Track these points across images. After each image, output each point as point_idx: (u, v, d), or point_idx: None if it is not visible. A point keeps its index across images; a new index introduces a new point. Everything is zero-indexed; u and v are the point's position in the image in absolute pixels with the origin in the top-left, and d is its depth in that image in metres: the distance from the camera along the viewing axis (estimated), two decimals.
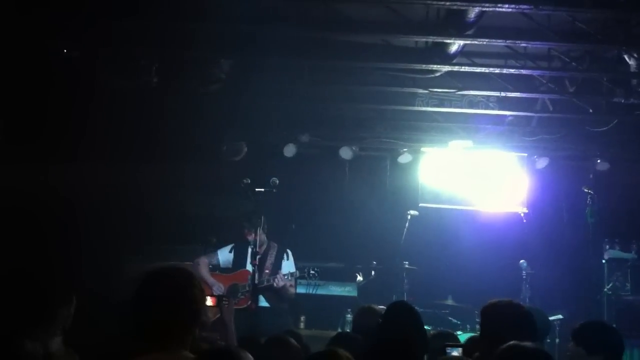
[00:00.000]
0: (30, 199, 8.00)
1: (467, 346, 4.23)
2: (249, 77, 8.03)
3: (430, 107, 8.73)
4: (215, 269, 7.81)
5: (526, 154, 9.52)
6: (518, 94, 8.20)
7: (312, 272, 7.51)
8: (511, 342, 3.13)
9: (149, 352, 2.94)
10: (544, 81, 8.04)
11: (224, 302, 5.10)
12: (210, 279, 7.62)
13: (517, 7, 5.91)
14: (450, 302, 8.70)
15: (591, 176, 9.54)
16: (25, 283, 4.11)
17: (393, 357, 4.07)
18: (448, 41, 6.84)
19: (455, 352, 3.81)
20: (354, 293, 8.81)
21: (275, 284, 7.41)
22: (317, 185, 9.55)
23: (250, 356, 2.83)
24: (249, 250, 7.33)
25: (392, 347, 4.09)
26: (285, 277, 7.49)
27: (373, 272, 8.81)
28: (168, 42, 7.03)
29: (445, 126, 9.38)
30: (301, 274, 7.59)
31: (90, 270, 7.93)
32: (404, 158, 9.52)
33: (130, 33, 6.92)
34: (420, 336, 4.29)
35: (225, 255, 7.77)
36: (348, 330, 7.27)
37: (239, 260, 7.64)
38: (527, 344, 3.14)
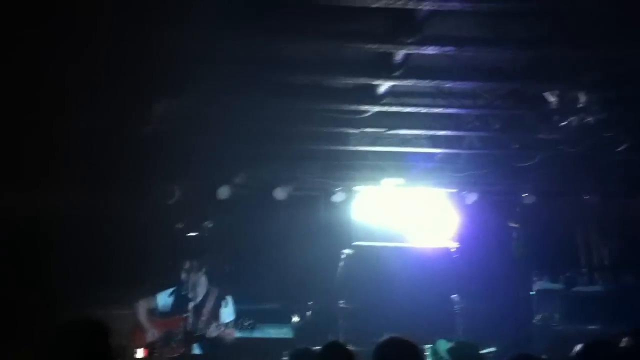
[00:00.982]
0: None
1: None
2: (181, 119, 7.98)
3: (363, 146, 8.87)
4: (153, 313, 7.68)
5: (456, 190, 9.74)
6: (446, 132, 8.40)
7: (245, 324, 7.41)
8: None
9: None
10: (471, 119, 8.26)
11: (154, 353, 5.01)
12: (146, 324, 7.47)
13: (441, 48, 6.08)
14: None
15: (518, 210, 9.82)
16: None
17: None
18: (377, 82, 6.98)
19: None
20: (290, 335, 8.79)
21: (208, 334, 7.32)
22: (252, 225, 9.53)
23: None
24: (188, 294, 7.24)
25: None
26: (219, 327, 7.39)
27: (309, 313, 8.81)
28: (101, 81, 6.95)
29: (377, 164, 9.53)
30: (235, 325, 7.47)
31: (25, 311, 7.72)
32: (338, 197, 9.62)
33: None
34: None
35: (164, 299, 7.64)
36: None
37: (178, 305, 7.51)
38: None
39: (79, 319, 3.25)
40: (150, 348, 7.23)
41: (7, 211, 7.88)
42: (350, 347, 8.14)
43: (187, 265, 7.34)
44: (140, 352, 7.10)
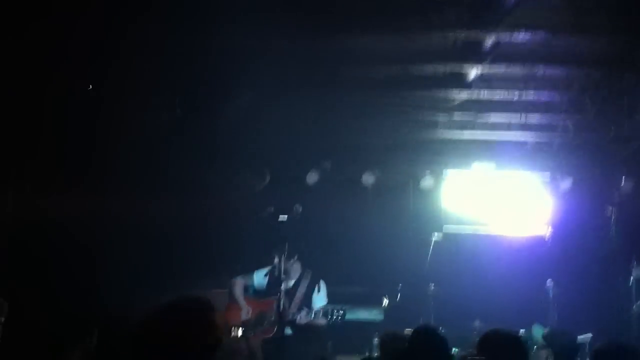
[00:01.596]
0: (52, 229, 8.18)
1: None
2: (273, 108, 8.17)
3: (454, 131, 8.82)
4: (248, 291, 7.92)
5: (550, 175, 9.54)
6: (539, 117, 8.24)
7: (337, 314, 7.52)
8: None
9: None
10: (564, 105, 8.07)
11: (250, 333, 5.19)
12: (242, 301, 7.74)
13: (532, 35, 5.98)
14: (477, 324, 8.71)
15: (615, 195, 9.53)
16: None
17: None
18: (465, 69, 6.93)
19: None
20: (381, 317, 8.85)
21: (297, 321, 7.49)
22: (340, 211, 9.63)
23: None
24: (282, 277, 7.44)
25: None
26: (309, 314, 7.53)
27: (399, 296, 8.86)
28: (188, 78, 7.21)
29: (467, 149, 9.44)
30: (326, 314, 7.59)
31: (124, 305, 8.08)
32: (427, 182, 9.58)
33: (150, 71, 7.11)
34: (445, 358, 4.38)
35: (260, 279, 7.88)
36: (376, 355, 7.33)
37: (272, 287, 7.72)
38: None
39: (185, 296, 3.28)
40: (245, 326, 7.47)
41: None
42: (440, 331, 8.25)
43: (279, 248, 7.53)
44: (238, 331, 7.34)
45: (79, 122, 7.27)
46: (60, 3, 5.85)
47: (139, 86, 7.20)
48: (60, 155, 7.67)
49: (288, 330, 7.55)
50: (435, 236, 8.84)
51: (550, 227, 9.45)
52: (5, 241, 7.45)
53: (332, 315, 7.52)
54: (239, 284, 7.83)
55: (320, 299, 7.75)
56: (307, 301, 7.68)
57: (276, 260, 7.60)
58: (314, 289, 7.76)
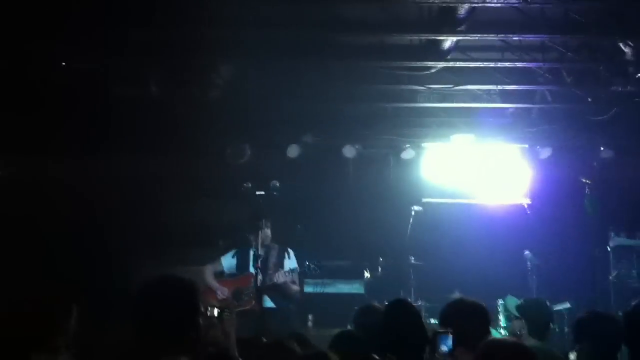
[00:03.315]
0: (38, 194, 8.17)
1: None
2: (249, 81, 8.10)
3: (432, 102, 8.79)
4: (220, 275, 7.92)
5: (529, 145, 9.54)
6: (516, 86, 8.23)
7: (312, 266, 7.56)
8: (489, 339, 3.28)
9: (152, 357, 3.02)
10: (542, 72, 8.05)
11: (225, 313, 5.14)
12: (214, 283, 7.75)
13: (506, 2, 5.93)
14: (457, 295, 8.72)
15: (595, 164, 9.55)
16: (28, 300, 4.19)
17: (396, 355, 4.18)
18: (441, 38, 6.88)
19: (445, 347, 3.89)
20: (362, 290, 8.87)
21: (276, 280, 7.48)
22: (321, 184, 9.60)
23: None
24: (251, 253, 7.44)
25: (393, 346, 4.20)
26: (286, 273, 7.57)
27: (380, 269, 8.87)
28: (168, 50, 7.13)
29: (447, 121, 9.42)
30: (302, 270, 7.65)
31: (102, 273, 8.08)
32: (407, 154, 9.55)
33: (132, 42, 7.03)
34: (419, 332, 4.38)
35: (228, 261, 7.90)
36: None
37: (242, 265, 7.76)
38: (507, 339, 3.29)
39: (168, 277, 3.31)
40: (223, 305, 7.45)
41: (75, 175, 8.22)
42: (420, 303, 8.26)
43: (255, 223, 7.50)
44: (215, 311, 7.28)
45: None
46: None
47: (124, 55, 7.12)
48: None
49: (268, 302, 7.55)
50: (415, 208, 8.81)
51: (528, 197, 9.48)
52: None
53: (308, 269, 7.53)
54: (208, 270, 7.82)
55: (291, 262, 7.79)
56: (279, 268, 7.71)
57: (252, 234, 7.56)
58: (283, 257, 7.77)
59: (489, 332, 4.22)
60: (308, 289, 8.52)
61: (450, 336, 4.15)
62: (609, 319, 4.56)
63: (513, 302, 7.05)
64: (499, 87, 8.18)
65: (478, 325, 4.07)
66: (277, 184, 7.17)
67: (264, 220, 7.51)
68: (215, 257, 7.99)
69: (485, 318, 4.21)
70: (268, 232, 7.69)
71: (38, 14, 6.23)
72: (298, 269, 7.70)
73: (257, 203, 7.16)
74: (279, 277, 7.55)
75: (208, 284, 7.73)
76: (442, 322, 4.18)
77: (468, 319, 4.10)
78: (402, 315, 4.54)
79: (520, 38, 7.06)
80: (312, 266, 7.56)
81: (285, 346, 4.08)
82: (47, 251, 8.06)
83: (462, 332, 3.87)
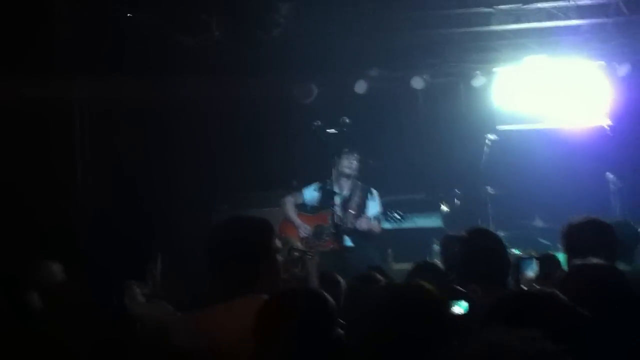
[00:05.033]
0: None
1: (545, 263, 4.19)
2: (311, 17, 7.96)
3: (501, 24, 8.47)
4: (301, 208, 7.90)
5: (606, 62, 9.13)
6: (589, 0, 7.84)
7: (395, 214, 7.47)
8: (576, 262, 3.13)
9: (229, 298, 3.03)
10: None
11: (307, 255, 5.14)
12: (296, 219, 7.71)
13: None
14: (538, 223, 8.55)
15: None
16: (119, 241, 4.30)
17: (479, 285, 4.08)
18: None
19: (531, 272, 3.77)
20: (439, 223, 8.76)
21: (358, 227, 7.45)
22: (391, 118, 9.46)
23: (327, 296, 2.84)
24: (334, 190, 7.39)
25: (475, 275, 4.10)
26: (369, 219, 7.50)
27: (456, 200, 8.74)
28: None
29: (517, 43, 9.05)
30: (384, 217, 7.55)
31: (177, 221, 8.21)
32: (478, 81, 9.30)
33: None
34: (502, 259, 4.25)
35: (310, 194, 7.82)
36: (436, 261, 7.28)
37: (325, 200, 7.64)
38: (595, 262, 3.12)
39: (238, 217, 3.31)
40: (304, 246, 7.45)
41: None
42: (500, 233, 8.12)
43: (330, 162, 7.44)
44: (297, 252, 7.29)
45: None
46: None
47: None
48: None
49: (347, 242, 7.54)
50: (490, 137, 8.59)
51: (609, 117, 9.09)
52: None
53: (390, 218, 7.47)
54: (289, 202, 7.80)
55: (374, 205, 7.70)
56: (362, 210, 7.63)
57: (330, 172, 7.50)
58: (367, 198, 7.69)
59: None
60: (385, 224, 8.46)
61: (535, 260, 4.02)
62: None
63: None
64: (571, 3, 7.80)
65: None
66: (347, 120, 7.06)
67: (338, 157, 7.44)
68: (297, 190, 7.96)
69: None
70: (352, 160, 7.59)
71: None
72: (380, 217, 7.57)
73: (329, 140, 7.06)
74: (362, 224, 7.48)
75: (289, 218, 7.71)
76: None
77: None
78: (481, 242, 4.41)
79: None
80: (395, 215, 7.45)
81: (373, 278, 4.06)
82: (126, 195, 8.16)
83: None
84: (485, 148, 8.54)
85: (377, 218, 7.59)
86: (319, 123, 7.08)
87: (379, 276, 4.35)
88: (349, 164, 7.61)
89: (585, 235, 3.83)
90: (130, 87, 8.33)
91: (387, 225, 8.47)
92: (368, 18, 7.96)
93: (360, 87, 9.18)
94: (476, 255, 4.25)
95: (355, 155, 7.67)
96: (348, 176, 7.66)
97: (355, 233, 7.53)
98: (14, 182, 7.37)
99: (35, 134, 7.84)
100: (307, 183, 7.92)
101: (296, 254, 5.67)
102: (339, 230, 7.17)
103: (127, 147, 8.23)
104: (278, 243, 3.24)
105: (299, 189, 8.00)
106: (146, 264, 5.11)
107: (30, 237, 6.95)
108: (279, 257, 3.22)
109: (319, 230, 7.62)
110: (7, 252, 5.91)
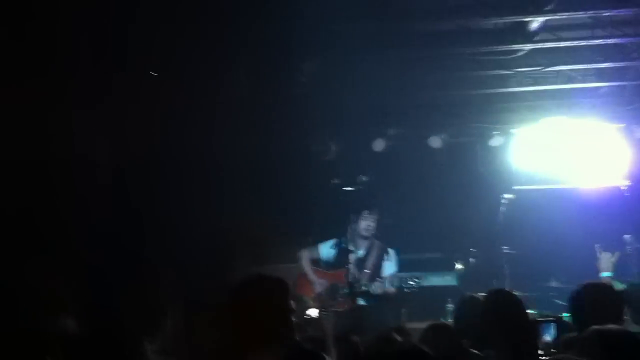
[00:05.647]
0: None
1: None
2: (332, 76, 8.07)
3: (520, 86, 8.57)
4: (317, 264, 7.87)
5: (624, 124, 9.17)
6: (608, 64, 7.92)
7: (410, 282, 7.39)
8: (594, 327, 3.13)
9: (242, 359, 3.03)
10: (634, 47, 7.71)
11: (322, 313, 5.15)
12: (312, 275, 7.66)
13: None
14: (554, 284, 8.48)
15: None
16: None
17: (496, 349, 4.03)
18: (527, 19, 6.67)
19: (548, 336, 3.74)
20: (455, 282, 8.71)
21: (372, 291, 7.42)
22: (409, 177, 9.50)
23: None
24: (350, 248, 7.37)
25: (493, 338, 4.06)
26: (383, 283, 7.44)
27: (472, 260, 8.70)
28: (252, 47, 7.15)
29: (536, 104, 9.17)
30: (400, 283, 7.46)
31: (191, 275, 8.17)
32: (495, 141, 9.35)
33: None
34: (524, 323, 4.20)
35: (327, 251, 7.78)
36: (449, 320, 7.21)
37: (340, 258, 7.61)
38: (612, 327, 3.13)
39: (261, 275, 3.31)
40: (318, 303, 7.41)
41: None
42: (515, 292, 8.05)
43: (348, 219, 7.44)
44: (313, 312, 7.23)
45: None
46: None
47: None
48: None
49: (361, 301, 7.49)
50: (507, 196, 8.60)
51: (626, 178, 9.08)
52: None
53: (406, 286, 7.39)
54: (305, 256, 7.76)
55: (390, 266, 7.65)
56: (377, 270, 7.58)
57: (346, 230, 7.50)
58: (383, 257, 7.66)
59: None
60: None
61: (553, 324, 3.98)
62: None
63: (616, 286, 6.79)
64: (591, 66, 7.88)
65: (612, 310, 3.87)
66: (364, 179, 7.11)
67: (356, 215, 7.44)
68: (313, 245, 7.95)
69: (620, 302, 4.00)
70: (369, 222, 7.57)
71: None
72: (397, 277, 7.53)
73: (347, 198, 7.10)
74: (376, 288, 7.43)
75: (304, 272, 7.67)
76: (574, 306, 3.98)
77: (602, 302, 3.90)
78: (503, 306, 4.35)
79: (611, 13, 6.76)
80: (410, 283, 7.38)
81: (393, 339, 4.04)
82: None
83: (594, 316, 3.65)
84: (502, 207, 8.54)
85: (392, 280, 7.52)
86: (337, 181, 7.13)
87: (397, 336, 4.32)
88: (367, 225, 7.58)
89: (590, 300, 3.84)
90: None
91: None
92: (389, 78, 8.06)
93: (379, 145, 9.24)
94: (496, 318, 4.20)
95: (373, 216, 7.65)
96: (365, 237, 7.65)
97: (368, 296, 7.48)
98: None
99: None
100: (324, 240, 7.91)
101: (312, 313, 5.68)
102: (353, 292, 7.14)
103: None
104: (293, 304, 3.25)
105: (315, 245, 7.99)
106: (157, 318, 5.07)
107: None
108: (293, 319, 3.22)
109: (334, 289, 7.58)
110: None
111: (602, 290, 3.97)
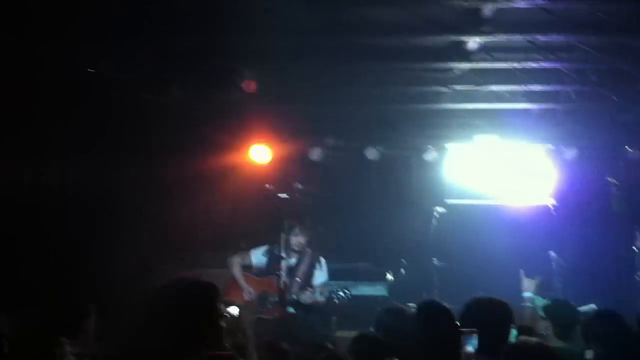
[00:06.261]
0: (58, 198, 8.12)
1: None
2: (272, 84, 8.08)
3: (455, 103, 8.73)
4: (248, 270, 7.84)
5: (553, 146, 9.45)
6: (541, 86, 8.15)
7: (340, 294, 7.46)
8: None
9: None
10: (567, 72, 7.96)
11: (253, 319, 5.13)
12: (242, 281, 7.64)
13: (532, 2, 5.87)
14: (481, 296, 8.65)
15: (620, 164, 9.45)
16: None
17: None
18: (465, 39, 6.82)
19: (470, 347, 3.83)
20: (385, 292, 8.81)
21: (302, 301, 7.44)
22: (343, 186, 9.59)
23: None
24: (282, 254, 7.38)
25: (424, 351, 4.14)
26: (313, 293, 7.47)
27: (403, 271, 8.82)
28: (190, 56, 7.14)
29: (470, 122, 9.35)
30: (329, 297, 7.51)
31: (122, 277, 8.05)
32: (430, 155, 9.52)
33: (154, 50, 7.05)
34: (454, 333, 4.29)
35: (258, 257, 7.77)
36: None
37: (272, 264, 7.62)
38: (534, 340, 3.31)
39: (189, 280, 3.27)
40: (248, 307, 7.38)
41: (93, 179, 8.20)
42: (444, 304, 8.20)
43: (281, 226, 7.45)
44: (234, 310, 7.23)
45: None
46: None
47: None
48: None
49: (291, 310, 7.51)
50: (438, 209, 8.76)
51: (554, 198, 9.37)
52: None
53: (336, 297, 7.43)
54: (236, 262, 7.72)
55: (321, 275, 7.70)
56: (308, 279, 7.61)
57: (280, 237, 7.51)
58: (315, 266, 7.69)
59: (509, 332, 4.18)
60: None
61: (476, 336, 4.08)
62: (614, 319, 4.56)
63: (539, 302, 6.99)
64: (524, 88, 8.11)
65: (501, 325, 4.03)
66: (300, 186, 7.14)
67: (289, 223, 7.45)
68: (244, 251, 7.92)
69: (508, 316, 4.15)
70: (300, 238, 7.61)
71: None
72: (327, 286, 7.56)
73: (281, 205, 7.11)
74: (306, 298, 7.46)
75: (235, 278, 7.64)
76: (464, 321, 4.11)
77: (490, 318, 4.05)
78: (435, 317, 4.43)
79: (546, 38, 6.97)
80: (340, 294, 7.44)
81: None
82: (70, 251, 8.01)
83: (484, 332, 3.81)
84: (434, 220, 8.70)
85: (322, 289, 7.55)
86: (271, 187, 7.14)
87: (330, 345, 4.35)
88: (297, 242, 7.60)
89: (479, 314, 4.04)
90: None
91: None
92: (328, 89, 8.12)
93: (316, 154, 9.29)
94: (429, 332, 4.28)
95: (305, 231, 7.66)
96: (295, 251, 7.67)
97: (298, 305, 7.50)
98: None
99: None
100: (256, 245, 7.90)
101: (234, 313, 5.65)
102: (283, 300, 7.15)
103: None
104: (222, 309, 3.24)
105: (246, 250, 7.97)
106: (79, 320, 4.95)
107: None
108: (223, 323, 3.20)
109: (263, 296, 7.57)
110: None
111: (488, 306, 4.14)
